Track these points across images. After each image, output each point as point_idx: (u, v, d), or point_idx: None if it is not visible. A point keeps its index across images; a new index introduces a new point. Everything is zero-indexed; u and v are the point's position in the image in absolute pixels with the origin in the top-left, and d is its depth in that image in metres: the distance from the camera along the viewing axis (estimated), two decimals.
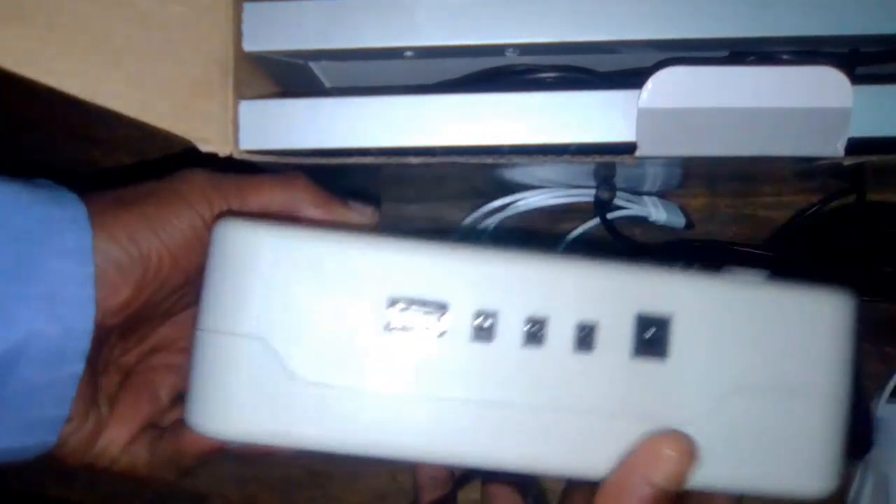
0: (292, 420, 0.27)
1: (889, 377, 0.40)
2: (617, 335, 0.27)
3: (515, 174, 0.35)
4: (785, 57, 0.29)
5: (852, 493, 0.40)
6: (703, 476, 0.27)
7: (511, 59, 0.30)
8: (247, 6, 0.28)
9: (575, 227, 0.42)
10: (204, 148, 0.28)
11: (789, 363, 0.27)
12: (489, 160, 0.28)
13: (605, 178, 0.38)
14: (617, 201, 0.40)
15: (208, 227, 0.29)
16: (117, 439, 0.32)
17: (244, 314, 0.27)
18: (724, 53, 0.30)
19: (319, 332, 0.27)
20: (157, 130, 0.28)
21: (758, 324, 0.27)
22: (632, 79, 0.27)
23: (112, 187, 0.30)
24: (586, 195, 0.40)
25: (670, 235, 0.42)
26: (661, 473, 0.26)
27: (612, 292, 0.27)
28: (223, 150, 0.28)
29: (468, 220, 0.42)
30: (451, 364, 0.27)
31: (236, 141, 0.29)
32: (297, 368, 0.26)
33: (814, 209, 0.40)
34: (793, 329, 0.27)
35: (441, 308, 0.27)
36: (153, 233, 0.29)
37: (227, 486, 0.47)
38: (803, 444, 0.27)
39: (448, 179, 0.37)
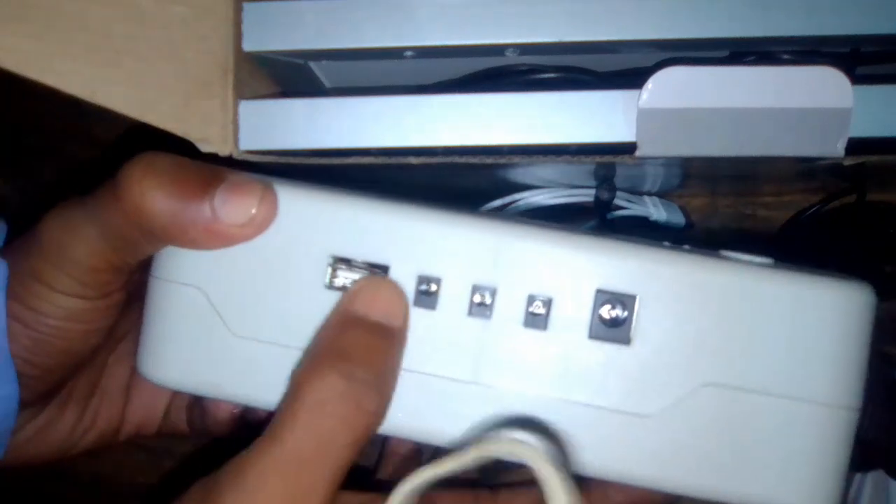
0: (226, 374, 0.26)
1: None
2: (574, 313, 0.25)
3: (515, 174, 0.35)
4: (785, 57, 0.29)
5: (852, 491, 0.40)
6: (656, 476, 0.25)
7: (511, 59, 0.30)
8: (247, 6, 0.28)
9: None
10: (204, 148, 0.28)
11: (787, 364, 0.24)
12: (489, 160, 0.28)
13: (605, 178, 0.38)
14: (617, 201, 0.40)
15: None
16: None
17: (187, 263, 0.26)
18: (724, 53, 0.30)
19: (257, 286, 0.26)
20: (156, 130, 0.28)
21: (752, 315, 0.24)
22: (632, 79, 0.27)
23: None
24: (586, 195, 0.40)
25: (670, 235, 0.42)
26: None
27: (572, 266, 0.25)
28: (223, 151, 0.28)
29: None
30: None
31: (236, 141, 0.29)
32: (231, 322, 0.26)
33: (814, 209, 0.40)
34: (796, 324, 0.24)
35: (382, 270, 0.25)
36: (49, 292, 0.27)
37: None
38: (793, 459, 0.24)
39: (448, 179, 0.37)
